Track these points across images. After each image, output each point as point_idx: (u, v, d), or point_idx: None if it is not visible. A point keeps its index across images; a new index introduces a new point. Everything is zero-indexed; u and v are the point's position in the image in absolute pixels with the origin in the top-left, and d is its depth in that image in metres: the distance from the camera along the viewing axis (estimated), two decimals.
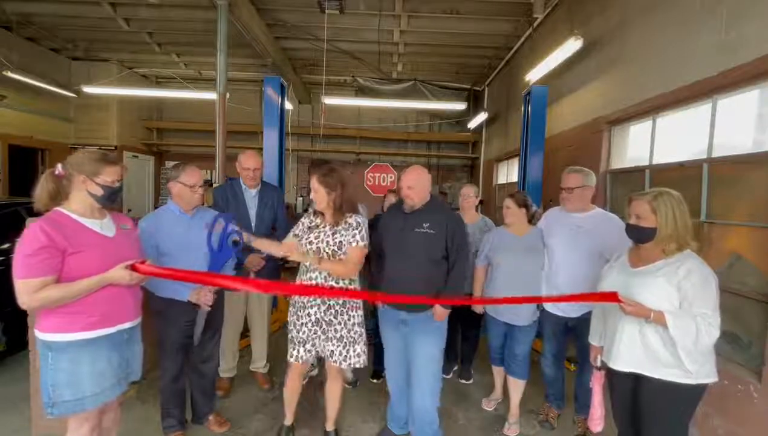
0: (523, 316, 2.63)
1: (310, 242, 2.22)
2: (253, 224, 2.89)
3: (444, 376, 3.15)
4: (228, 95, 4.77)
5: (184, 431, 2.49)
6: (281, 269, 3.44)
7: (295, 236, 2.30)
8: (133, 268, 1.66)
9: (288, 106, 4.94)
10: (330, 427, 2.52)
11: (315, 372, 3.25)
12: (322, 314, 2.23)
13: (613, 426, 2.00)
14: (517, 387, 2.74)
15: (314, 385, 3.06)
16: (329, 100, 7.13)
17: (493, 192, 8.09)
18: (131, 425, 2.58)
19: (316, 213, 2.29)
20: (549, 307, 2.64)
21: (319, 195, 2.19)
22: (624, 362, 1.78)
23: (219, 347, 2.63)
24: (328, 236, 2.22)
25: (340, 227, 2.22)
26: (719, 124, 2.77)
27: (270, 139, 4.15)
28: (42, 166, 7.99)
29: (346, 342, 2.26)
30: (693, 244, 1.71)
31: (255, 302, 3.04)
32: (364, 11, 5.75)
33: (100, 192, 1.67)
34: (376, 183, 9.28)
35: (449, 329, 2.45)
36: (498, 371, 2.98)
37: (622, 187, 3.94)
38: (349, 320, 2.27)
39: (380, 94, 7.88)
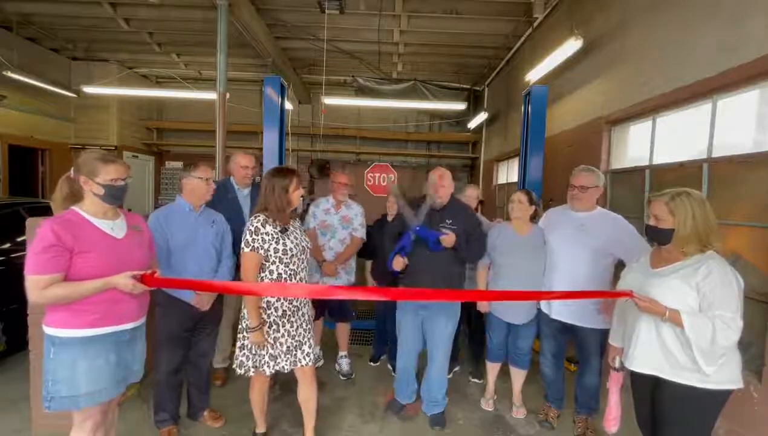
0: (523, 315, 2.73)
1: (299, 247, 2.17)
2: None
3: None
4: (228, 95, 4.77)
5: (177, 426, 2.49)
6: None
7: (266, 251, 2.06)
8: (142, 278, 1.66)
9: (288, 106, 4.93)
10: None
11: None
12: (306, 310, 2.27)
13: (629, 427, 1.99)
14: (518, 376, 2.94)
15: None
16: (329, 100, 7.13)
17: (493, 192, 8.08)
18: (131, 425, 2.58)
19: (266, 220, 2.09)
20: (543, 307, 2.66)
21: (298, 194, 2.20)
22: (642, 362, 1.76)
23: (216, 343, 2.66)
24: (303, 235, 2.29)
25: (297, 224, 2.31)
26: (719, 124, 2.77)
27: (270, 139, 4.14)
28: (42, 167, 8.00)
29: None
30: (717, 245, 1.66)
31: None
32: (364, 11, 5.75)
33: (101, 191, 1.68)
34: (376, 183, 9.24)
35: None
36: (492, 368, 2.99)
37: (622, 188, 3.94)
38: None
39: (380, 94, 7.86)
